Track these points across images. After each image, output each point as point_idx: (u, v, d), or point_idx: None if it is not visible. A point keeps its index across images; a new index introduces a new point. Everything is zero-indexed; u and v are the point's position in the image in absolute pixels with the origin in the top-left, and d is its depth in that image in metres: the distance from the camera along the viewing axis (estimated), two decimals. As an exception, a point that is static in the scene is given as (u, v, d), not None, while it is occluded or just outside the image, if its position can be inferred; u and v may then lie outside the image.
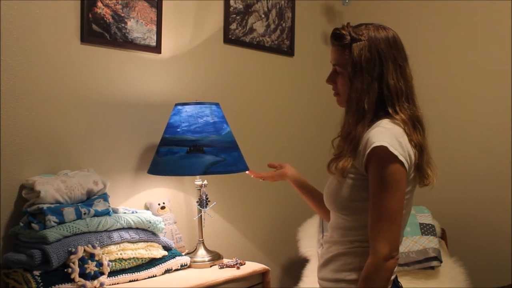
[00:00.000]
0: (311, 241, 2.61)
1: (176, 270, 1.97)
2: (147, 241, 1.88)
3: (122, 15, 2.09)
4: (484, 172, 2.79)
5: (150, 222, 1.90)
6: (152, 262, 1.88)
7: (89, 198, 1.84)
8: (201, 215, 2.13)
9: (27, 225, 1.68)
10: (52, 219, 1.65)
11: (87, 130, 2.00)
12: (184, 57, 2.36)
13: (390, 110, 1.43)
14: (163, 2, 2.23)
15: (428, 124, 1.48)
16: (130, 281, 1.80)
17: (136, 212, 1.93)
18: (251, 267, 2.06)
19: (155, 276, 1.88)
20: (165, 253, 1.93)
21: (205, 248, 2.13)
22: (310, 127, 3.05)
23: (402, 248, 2.43)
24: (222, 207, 2.47)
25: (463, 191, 2.85)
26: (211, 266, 2.06)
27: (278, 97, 2.86)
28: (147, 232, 1.89)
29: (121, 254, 1.78)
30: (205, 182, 2.14)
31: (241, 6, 2.60)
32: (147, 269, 1.85)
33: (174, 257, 1.96)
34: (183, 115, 2.04)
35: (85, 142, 1.99)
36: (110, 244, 1.76)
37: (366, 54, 1.42)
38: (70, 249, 1.64)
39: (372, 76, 1.42)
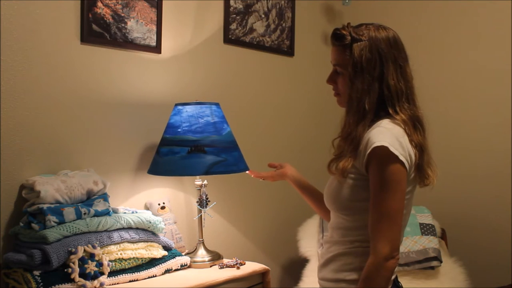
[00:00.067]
0: (311, 241, 2.61)
1: (176, 270, 1.97)
2: (147, 241, 1.88)
3: (122, 15, 2.09)
4: (484, 172, 2.79)
5: (150, 222, 1.89)
6: (152, 262, 1.88)
7: (89, 198, 1.84)
8: (201, 215, 2.13)
9: (27, 225, 1.68)
10: (52, 219, 1.65)
11: (87, 130, 2.00)
12: (184, 57, 2.36)
13: (390, 110, 1.43)
14: (163, 2, 2.23)
15: (428, 124, 1.48)
16: (130, 281, 1.80)
17: (136, 212, 1.93)
18: (251, 267, 2.06)
19: (155, 276, 1.88)
20: (165, 253, 1.93)
21: (205, 248, 2.13)
22: (310, 127, 3.05)
23: (402, 248, 2.43)
24: (222, 207, 2.47)
25: (463, 191, 2.85)
26: (211, 266, 2.06)
27: (278, 97, 2.86)
28: (147, 232, 1.89)
29: (121, 254, 1.78)
30: (205, 182, 2.14)
31: (241, 6, 2.60)
32: (147, 269, 1.85)
33: (174, 257, 1.96)
34: (184, 115, 2.04)
35: (85, 142, 1.99)
36: (110, 244, 1.76)
37: (366, 54, 1.42)
38: (70, 249, 1.64)
39: (373, 76, 1.42)
